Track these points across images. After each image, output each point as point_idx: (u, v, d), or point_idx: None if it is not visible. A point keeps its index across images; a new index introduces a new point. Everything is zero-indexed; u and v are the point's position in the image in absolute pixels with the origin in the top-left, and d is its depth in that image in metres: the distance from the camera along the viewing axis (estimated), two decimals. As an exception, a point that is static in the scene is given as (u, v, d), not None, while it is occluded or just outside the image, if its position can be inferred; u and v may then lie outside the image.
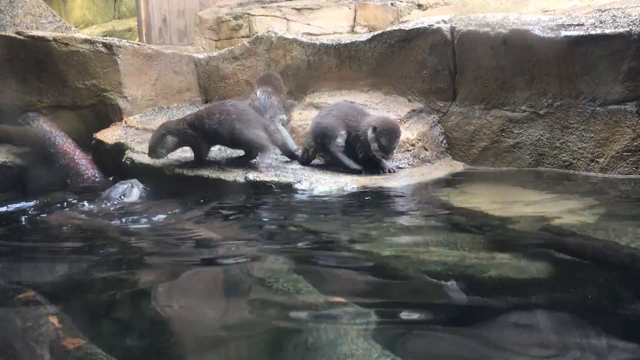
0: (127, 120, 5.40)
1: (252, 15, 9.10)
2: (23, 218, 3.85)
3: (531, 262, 2.69)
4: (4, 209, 4.07)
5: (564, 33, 4.38)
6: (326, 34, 7.66)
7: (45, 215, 3.86)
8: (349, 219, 3.60)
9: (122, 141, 4.96)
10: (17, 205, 4.15)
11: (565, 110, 4.51)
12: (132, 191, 4.24)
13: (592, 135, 4.42)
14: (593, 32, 4.28)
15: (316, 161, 4.70)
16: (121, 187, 4.26)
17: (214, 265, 2.88)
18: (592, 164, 4.43)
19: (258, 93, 5.30)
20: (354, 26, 9.04)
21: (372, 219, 3.58)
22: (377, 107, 5.08)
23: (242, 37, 8.61)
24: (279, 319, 2.19)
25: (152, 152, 4.45)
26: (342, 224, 3.51)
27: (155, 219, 3.72)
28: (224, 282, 2.65)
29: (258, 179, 4.26)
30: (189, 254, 3.02)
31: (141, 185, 4.35)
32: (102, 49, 5.41)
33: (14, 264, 3.04)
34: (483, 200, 3.87)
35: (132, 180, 4.35)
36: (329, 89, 5.60)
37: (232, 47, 6.45)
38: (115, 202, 4.08)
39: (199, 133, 4.40)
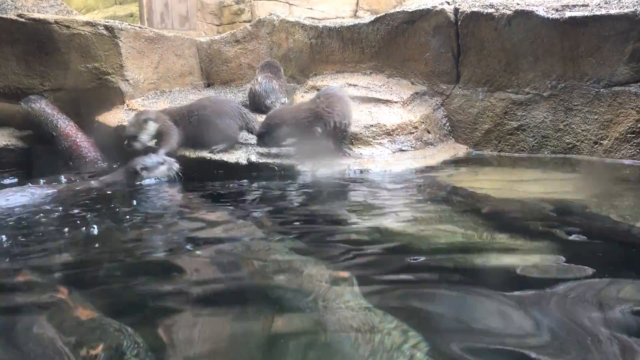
0: (129, 104, 5.38)
1: (254, -1, 9.05)
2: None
3: (531, 241, 2.68)
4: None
5: (568, 14, 4.34)
6: (329, 19, 7.63)
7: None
8: (351, 200, 3.59)
9: (124, 124, 4.93)
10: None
11: (569, 92, 4.48)
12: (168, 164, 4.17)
13: (596, 117, 4.39)
14: (598, 13, 4.25)
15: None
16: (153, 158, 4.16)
17: (219, 245, 2.87)
18: (595, 146, 4.41)
19: (259, 78, 5.32)
20: (356, 10, 8.99)
21: (374, 199, 3.57)
22: (380, 90, 5.06)
23: (244, 21, 8.59)
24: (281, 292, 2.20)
25: (133, 138, 4.42)
26: (344, 205, 3.50)
27: (163, 200, 3.72)
28: (230, 261, 2.65)
29: (260, 161, 4.25)
30: (194, 236, 3.02)
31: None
32: (104, 32, 5.38)
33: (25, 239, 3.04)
34: (486, 181, 3.86)
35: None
36: (332, 72, 5.57)
37: (234, 30, 6.42)
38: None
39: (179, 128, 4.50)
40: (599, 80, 4.35)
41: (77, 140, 5.05)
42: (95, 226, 3.07)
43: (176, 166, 4.19)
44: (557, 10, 4.40)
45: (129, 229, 3.11)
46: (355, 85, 5.18)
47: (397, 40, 5.19)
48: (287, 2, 8.99)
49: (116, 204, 3.61)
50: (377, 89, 5.10)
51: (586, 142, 4.45)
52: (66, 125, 5.13)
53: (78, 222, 3.18)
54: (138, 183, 4.04)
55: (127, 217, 3.31)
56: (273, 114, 4.38)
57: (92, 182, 3.99)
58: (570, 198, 3.32)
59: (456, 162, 4.51)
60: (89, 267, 2.59)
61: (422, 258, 2.52)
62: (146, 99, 5.53)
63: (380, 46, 5.30)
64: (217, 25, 8.95)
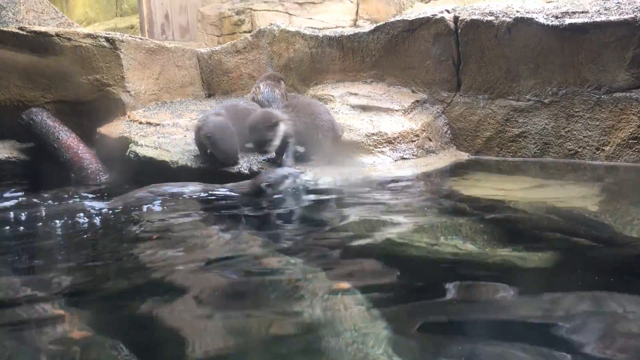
0: (130, 115, 5.39)
1: (255, 10, 9.09)
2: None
3: (535, 248, 2.68)
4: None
5: (568, 20, 4.35)
6: (329, 28, 7.64)
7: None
8: (354, 208, 3.58)
9: (125, 135, 4.95)
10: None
11: (571, 98, 4.48)
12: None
13: (597, 123, 4.39)
14: (598, 19, 4.25)
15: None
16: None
17: (219, 262, 2.86)
18: (597, 152, 4.40)
19: (261, 87, 5.32)
20: (356, 20, 9.01)
21: (377, 207, 3.57)
22: (381, 98, 5.07)
23: (245, 32, 8.61)
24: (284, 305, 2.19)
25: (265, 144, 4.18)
26: (348, 213, 3.50)
27: (164, 214, 3.71)
28: (231, 278, 2.64)
29: (262, 170, 4.24)
30: (196, 251, 3.00)
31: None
32: (105, 44, 5.40)
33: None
34: (488, 188, 3.85)
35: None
36: (332, 81, 5.58)
37: (235, 41, 6.45)
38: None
39: None
40: (600, 86, 4.35)
41: (79, 152, 5.05)
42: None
43: (302, 177, 4.05)
44: (556, 17, 4.41)
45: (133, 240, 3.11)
46: (356, 94, 5.19)
47: (397, 48, 5.20)
48: (287, 12, 9.02)
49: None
50: (378, 97, 5.11)
51: (588, 148, 4.44)
52: (68, 137, 5.14)
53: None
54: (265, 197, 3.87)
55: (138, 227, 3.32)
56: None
57: (224, 189, 3.94)
58: (573, 204, 3.32)
59: (458, 170, 4.50)
60: (89, 281, 2.59)
61: (427, 269, 2.51)
62: (147, 110, 5.55)
63: (380, 55, 5.31)
64: (217, 36, 8.99)
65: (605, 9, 4.33)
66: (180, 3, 9.36)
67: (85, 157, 5.03)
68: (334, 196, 3.88)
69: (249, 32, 7.53)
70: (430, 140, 4.83)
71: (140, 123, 5.23)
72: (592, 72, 4.36)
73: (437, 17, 4.92)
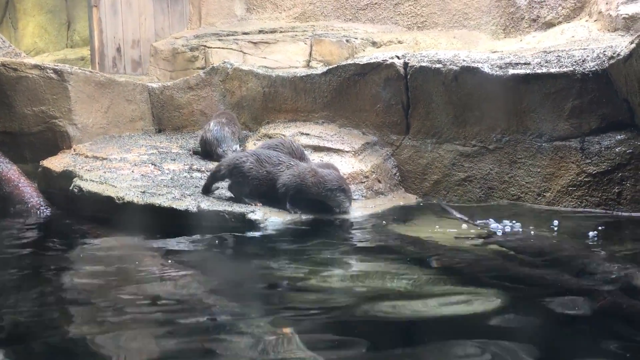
0: (76, 148, 5.27)
1: (209, 47, 9.09)
2: None
3: (479, 292, 2.72)
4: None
5: (511, 71, 4.54)
6: (282, 67, 7.71)
7: None
8: (301, 250, 3.57)
9: (70, 169, 4.81)
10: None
11: (514, 145, 4.64)
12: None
13: (539, 170, 4.55)
14: (539, 71, 4.46)
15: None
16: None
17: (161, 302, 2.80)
18: (539, 198, 4.55)
19: (211, 124, 5.32)
20: (309, 61, 9.12)
21: (323, 250, 3.58)
22: (332, 139, 5.13)
23: (198, 68, 8.58)
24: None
25: None
26: (293, 256, 3.48)
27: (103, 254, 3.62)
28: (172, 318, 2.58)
29: (211, 209, 4.18)
30: (136, 296, 2.93)
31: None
32: (53, 75, 5.31)
33: None
34: (434, 231, 3.91)
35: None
36: (284, 121, 5.62)
37: (188, 77, 6.44)
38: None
39: None
40: (541, 134, 4.53)
41: (20, 185, 4.88)
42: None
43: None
44: (500, 67, 4.59)
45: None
46: (307, 134, 5.23)
47: (348, 91, 5.30)
48: (241, 51, 9.05)
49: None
50: (329, 138, 5.17)
51: (530, 193, 4.59)
52: (8, 170, 4.96)
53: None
54: None
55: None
56: None
57: None
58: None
59: (406, 212, 4.56)
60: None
61: (367, 314, 2.52)
62: (94, 143, 5.45)
63: (332, 96, 5.39)
64: (170, 71, 8.92)
65: (547, 62, 4.54)
66: (133, 37, 9.29)
67: (26, 190, 4.86)
68: (277, 239, 3.86)
69: (202, 68, 7.52)
70: (379, 181, 4.89)
71: (86, 157, 5.11)
72: (533, 120, 4.54)
73: (388, 62, 5.04)
